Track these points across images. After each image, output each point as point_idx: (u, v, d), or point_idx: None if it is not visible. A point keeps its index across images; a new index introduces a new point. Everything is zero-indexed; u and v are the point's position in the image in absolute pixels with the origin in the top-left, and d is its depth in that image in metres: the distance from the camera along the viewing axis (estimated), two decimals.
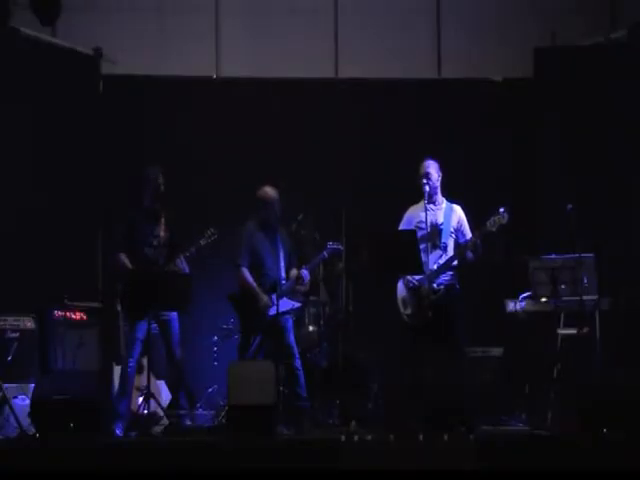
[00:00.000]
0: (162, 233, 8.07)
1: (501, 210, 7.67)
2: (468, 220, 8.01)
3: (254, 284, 8.18)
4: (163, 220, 8.06)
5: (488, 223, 7.71)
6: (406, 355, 7.87)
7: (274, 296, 8.10)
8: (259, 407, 7.21)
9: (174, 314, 8.05)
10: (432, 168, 7.96)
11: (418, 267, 7.66)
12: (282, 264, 8.27)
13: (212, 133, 9.88)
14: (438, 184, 8.00)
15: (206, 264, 8.79)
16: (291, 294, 8.30)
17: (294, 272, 8.35)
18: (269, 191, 8.29)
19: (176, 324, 8.06)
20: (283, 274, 8.27)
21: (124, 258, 8.03)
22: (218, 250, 8.38)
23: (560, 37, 9.92)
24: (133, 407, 7.96)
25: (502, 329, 8.68)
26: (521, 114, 9.87)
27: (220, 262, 8.75)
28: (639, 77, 9.25)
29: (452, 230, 7.94)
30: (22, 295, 8.51)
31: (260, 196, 8.30)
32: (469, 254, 7.85)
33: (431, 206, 7.91)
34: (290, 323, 8.29)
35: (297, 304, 8.34)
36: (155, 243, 8.05)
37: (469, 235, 7.93)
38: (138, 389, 8.03)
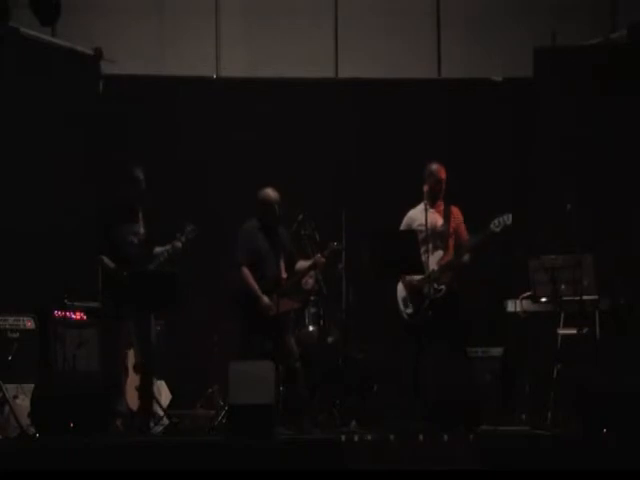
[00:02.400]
0: (142, 230, 7.97)
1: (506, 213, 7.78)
2: (468, 220, 8.10)
3: (255, 285, 8.17)
4: (141, 216, 7.96)
5: (492, 224, 7.78)
6: (406, 355, 7.89)
7: (274, 297, 8.10)
8: (259, 407, 7.21)
9: (150, 317, 7.89)
10: (445, 173, 8.04)
11: (419, 267, 7.72)
12: (282, 265, 8.27)
13: (212, 133, 9.87)
14: None
15: (206, 264, 8.80)
16: (295, 292, 8.29)
17: (301, 263, 8.31)
18: (270, 193, 8.26)
19: (151, 327, 7.90)
20: (283, 275, 8.26)
21: (107, 261, 7.88)
22: (218, 250, 8.36)
23: (560, 37, 9.92)
24: (133, 407, 7.96)
25: (502, 329, 8.68)
26: (521, 114, 9.87)
27: (220, 262, 8.73)
28: (639, 77, 9.25)
29: (451, 231, 8.02)
30: (22, 295, 8.51)
31: (261, 198, 8.29)
32: (466, 255, 7.97)
33: (430, 208, 7.98)
34: (290, 323, 8.29)
35: (297, 304, 8.34)
36: (135, 241, 7.93)
37: (465, 237, 8.05)
38: (138, 389, 8.02)
